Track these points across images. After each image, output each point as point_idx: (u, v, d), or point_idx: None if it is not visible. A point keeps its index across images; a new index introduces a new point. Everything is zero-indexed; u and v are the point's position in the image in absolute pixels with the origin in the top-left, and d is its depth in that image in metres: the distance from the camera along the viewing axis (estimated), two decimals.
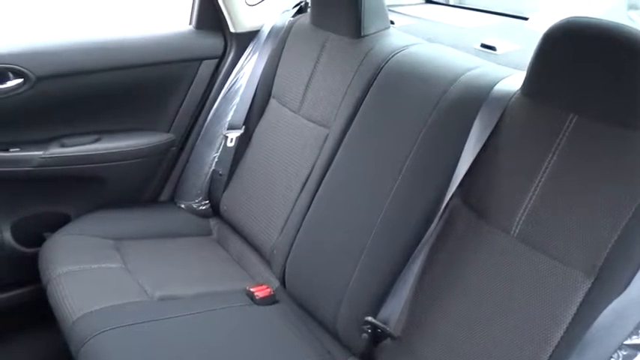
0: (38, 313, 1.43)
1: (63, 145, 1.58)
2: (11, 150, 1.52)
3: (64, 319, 1.24)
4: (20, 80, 1.48)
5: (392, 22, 1.57)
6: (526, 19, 1.64)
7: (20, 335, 1.60)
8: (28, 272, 1.50)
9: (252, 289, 1.40)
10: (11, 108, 1.49)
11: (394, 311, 1.10)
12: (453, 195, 1.07)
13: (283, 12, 1.71)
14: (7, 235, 1.60)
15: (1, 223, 1.59)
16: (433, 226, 1.08)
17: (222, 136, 1.68)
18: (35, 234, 1.58)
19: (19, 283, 1.61)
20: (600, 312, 0.82)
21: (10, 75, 1.47)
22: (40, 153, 1.54)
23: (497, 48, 1.39)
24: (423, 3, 1.92)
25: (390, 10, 1.63)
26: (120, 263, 1.45)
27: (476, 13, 1.83)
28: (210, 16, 1.74)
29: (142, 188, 1.78)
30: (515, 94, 1.05)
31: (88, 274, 1.38)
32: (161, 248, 1.57)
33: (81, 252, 1.45)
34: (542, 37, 0.96)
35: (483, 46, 1.40)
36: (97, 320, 1.21)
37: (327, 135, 1.42)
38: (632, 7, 1.89)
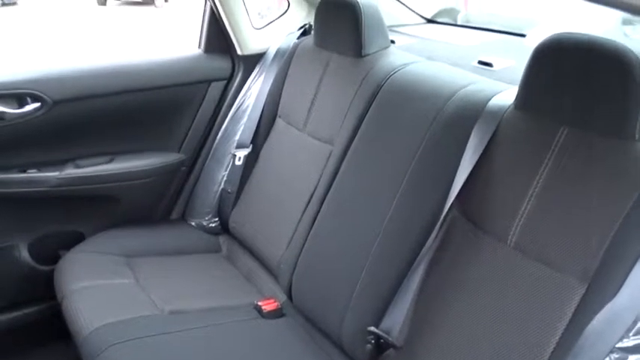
0: (53, 329, 1.48)
1: (77, 166, 1.64)
2: (29, 171, 1.59)
3: (78, 333, 1.28)
4: (38, 104, 1.54)
5: (393, 42, 1.62)
6: (524, 36, 1.69)
7: (36, 350, 1.64)
8: (44, 289, 1.55)
9: (259, 303, 1.43)
10: (29, 131, 1.56)
11: (396, 321, 1.13)
12: (450, 207, 1.10)
13: (288, 34, 1.78)
14: (25, 254, 1.65)
15: (19, 242, 1.64)
16: (432, 237, 1.11)
17: (230, 155, 1.74)
18: (51, 252, 1.63)
19: (36, 300, 1.66)
20: (593, 317, 0.85)
21: (29, 99, 1.54)
22: (56, 174, 1.60)
23: (494, 64, 1.43)
24: (424, 23, 1.97)
25: (391, 30, 1.68)
26: (132, 279, 1.49)
27: (476, 31, 1.87)
28: (218, 40, 1.80)
29: (153, 206, 1.83)
30: (509, 108, 1.09)
31: (101, 289, 1.42)
32: (172, 264, 1.62)
33: (94, 269, 1.50)
34: (532, 52, 1.00)
35: (480, 62, 1.44)
36: (109, 333, 1.25)
37: (331, 151, 1.46)
38: (626, 22, 1.93)
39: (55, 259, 1.57)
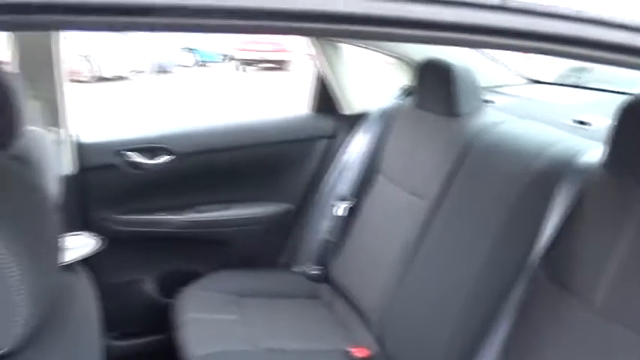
0: (167, 358, 1.65)
1: (197, 211, 1.86)
2: (156, 214, 1.83)
3: (186, 358, 1.43)
4: (168, 157, 1.80)
5: (492, 102, 1.67)
6: (631, 94, 1.64)
7: None
8: (163, 320, 1.74)
9: (351, 350, 1.50)
10: (159, 179, 1.80)
11: None
12: (536, 266, 1.11)
13: (389, 96, 1.90)
14: (150, 287, 1.88)
15: (145, 276, 1.88)
16: (516, 295, 1.12)
17: (333, 207, 1.86)
18: (171, 287, 1.82)
19: (155, 329, 1.86)
20: None
21: (161, 152, 1.79)
22: (179, 217, 1.83)
23: (592, 123, 1.42)
24: (527, 83, 1.99)
25: (491, 91, 1.74)
26: (238, 316, 1.64)
27: (581, 90, 1.86)
28: (324, 101, 1.98)
29: (262, 252, 1.99)
30: (596, 166, 1.09)
31: (210, 322, 1.58)
32: (274, 306, 1.74)
33: (207, 304, 1.67)
34: (619, 110, 1.01)
35: (576, 121, 1.44)
36: None
37: (424, 206, 1.52)
38: None
39: (173, 294, 1.76)
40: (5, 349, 0.54)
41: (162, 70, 14.73)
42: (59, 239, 0.64)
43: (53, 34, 1.54)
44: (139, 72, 13.51)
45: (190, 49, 16.61)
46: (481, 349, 1.17)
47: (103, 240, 1.54)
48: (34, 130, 1.24)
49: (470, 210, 1.37)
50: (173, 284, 1.80)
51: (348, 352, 1.49)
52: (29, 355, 0.57)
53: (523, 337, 1.11)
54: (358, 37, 0.91)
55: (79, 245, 1.09)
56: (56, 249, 0.63)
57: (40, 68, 1.55)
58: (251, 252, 1.96)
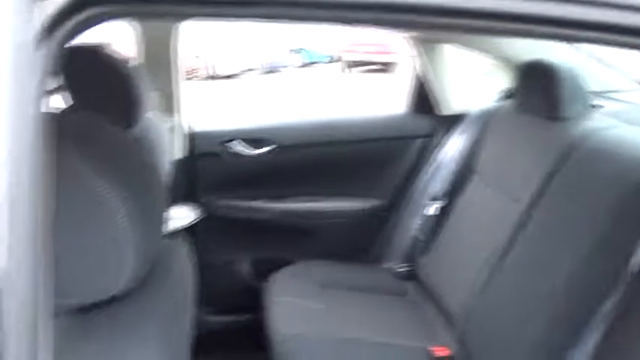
0: (254, 337, 1.74)
1: (294, 201, 1.95)
2: (255, 201, 1.94)
3: (274, 337, 1.51)
4: (270, 148, 1.90)
5: (601, 106, 1.59)
6: None
7: (235, 354, 1.93)
8: (252, 301, 1.84)
9: (431, 349, 1.50)
10: (261, 169, 1.91)
11: None
12: (633, 277, 1.06)
13: (492, 98, 1.87)
14: (245, 268, 1.99)
15: (244, 258, 1.99)
16: (608, 306, 1.08)
17: (425, 206, 1.86)
18: (263, 271, 1.91)
19: (243, 309, 1.96)
20: None
21: (265, 143, 1.90)
22: (276, 206, 1.93)
23: None
24: None
25: (602, 96, 1.66)
26: (323, 304, 1.69)
27: None
28: (422, 101, 1.99)
29: (351, 245, 2.03)
30: None
31: (297, 307, 1.65)
32: (359, 299, 1.77)
33: (295, 290, 1.74)
34: None
35: None
36: (297, 342, 1.46)
37: (520, 210, 1.49)
38: None
39: (265, 277, 1.84)
40: (114, 293, 0.62)
41: (272, 70, 15.30)
42: (165, 210, 0.73)
43: (174, 33, 1.70)
44: (250, 71, 14.15)
45: (298, 50, 17.07)
46: (571, 351, 1.13)
47: (203, 213, 1.67)
48: (152, 117, 1.38)
49: (566, 216, 1.32)
50: (265, 268, 1.89)
51: (428, 351, 1.50)
52: (130, 304, 0.66)
53: (613, 348, 1.06)
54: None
55: (182, 216, 1.20)
56: (162, 217, 0.71)
57: (161, 63, 1.73)
58: (341, 245, 2.01)
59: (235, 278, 1.99)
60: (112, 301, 0.63)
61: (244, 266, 2.00)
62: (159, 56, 1.72)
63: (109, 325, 0.61)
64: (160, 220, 0.70)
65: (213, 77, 12.66)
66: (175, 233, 0.98)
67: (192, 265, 0.85)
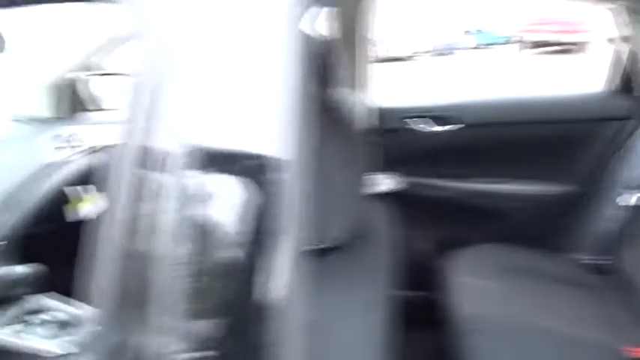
0: (425, 314, 1.75)
1: (478, 182, 1.90)
2: (439, 179, 1.94)
3: (454, 317, 1.51)
4: (457, 126, 1.87)
5: None
6: None
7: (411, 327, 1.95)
8: (431, 278, 1.85)
9: (627, 349, 1.38)
10: (447, 146, 1.90)
11: None
12: None
13: None
14: (427, 245, 2.00)
15: (424, 235, 2.00)
16: None
17: (620, 195, 1.70)
18: (445, 249, 1.87)
19: (421, 285, 1.97)
20: None
21: (451, 121, 1.88)
22: (461, 185, 1.91)
23: None
24: None
25: None
26: (506, 288, 1.63)
27: None
28: (623, 81, 1.80)
29: (537, 231, 1.93)
30: None
31: (481, 288, 1.62)
32: (543, 288, 1.67)
33: (479, 271, 1.71)
34: None
35: None
36: (479, 321, 1.45)
37: None
38: None
39: (446, 256, 1.82)
40: (332, 244, 0.68)
41: (444, 52, 14.95)
42: (366, 175, 0.78)
43: (364, 9, 1.75)
44: (424, 53, 13.99)
45: (476, 32, 16.43)
46: None
47: (403, 182, 1.70)
48: (344, 90, 1.45)
49: None
50: (447, 247, 1.88)
51: (622, 351, 1.38)
52: (344, 255, 0.71)
53: None
54: None
55: (383, 182, 1.24)
56: (361, 180, 0.76)
57: (353, 42, 1.79)
58: (526, 229, 1.93)
59: (416, 254, 2.01)
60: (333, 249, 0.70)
61: (424, 243, 2.01)
62: (352, 35, 1.78)
63: (335, 269, 0.68)
64: (360, 183, 0.75)
65: (385, 60, 12.78)
66: (378, 197, 1.02)
67: (391, 227, 0.89)
